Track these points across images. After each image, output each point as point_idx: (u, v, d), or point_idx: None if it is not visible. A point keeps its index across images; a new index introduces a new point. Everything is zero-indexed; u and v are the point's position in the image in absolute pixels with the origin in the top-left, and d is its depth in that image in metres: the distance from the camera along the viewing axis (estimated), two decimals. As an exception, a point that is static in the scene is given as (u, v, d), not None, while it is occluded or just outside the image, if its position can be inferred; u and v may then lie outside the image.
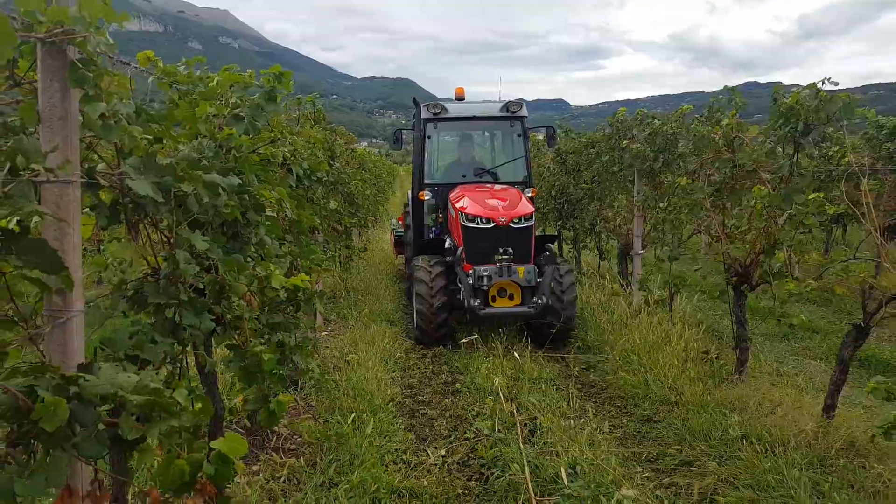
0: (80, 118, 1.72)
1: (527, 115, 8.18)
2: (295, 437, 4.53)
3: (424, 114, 8.08)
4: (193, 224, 2.44)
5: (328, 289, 8.70)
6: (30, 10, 1.49)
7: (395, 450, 4.40)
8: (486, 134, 9.26)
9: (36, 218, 1.56)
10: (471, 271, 6.66)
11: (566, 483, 3.35)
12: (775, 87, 4.50)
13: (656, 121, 6.94)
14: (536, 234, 7.34)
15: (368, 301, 8.44)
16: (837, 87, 4.29)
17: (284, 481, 3.81)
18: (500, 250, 6.66)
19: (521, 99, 8.28)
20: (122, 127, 1.79)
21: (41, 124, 1.65)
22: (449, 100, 8.73)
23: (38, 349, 1.78)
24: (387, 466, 4.10)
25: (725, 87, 5.48)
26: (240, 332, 2.97)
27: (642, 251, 7.61)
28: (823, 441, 4.05)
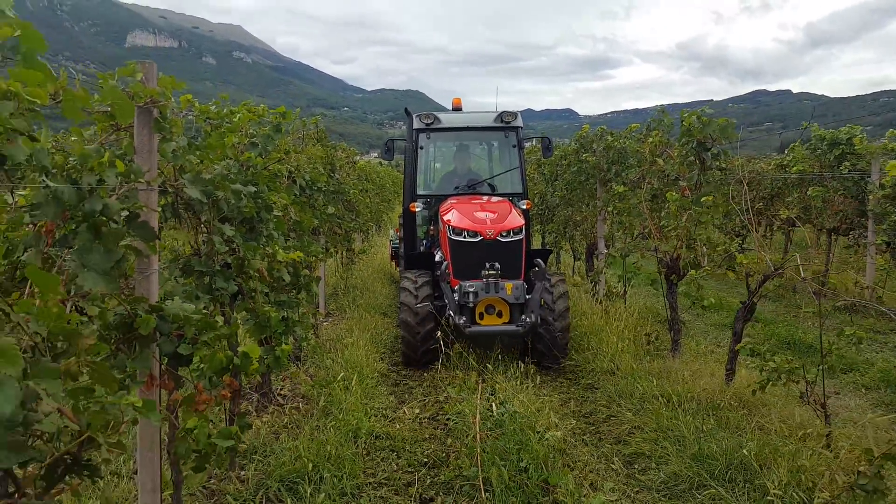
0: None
1: (521, 125, 7.98)
2: (296, 397, 5.59)
3: (416, 124, 7.94)
4: (223, 219, 3.51)
5: (330, 287, 9.79)
6: (135, 90, 2.57)
7: (378, 407, 5.46)
8: (481, 145, 9.21)
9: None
10: (457, 287, 6.41)
11: (495, 413, 4.38)
12: (682, 111, 5.53)
13: (610, 137, 7.99)
14: (532, 248, 7.18)
15: (366, 296, 9.51)
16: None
17: (286, 425, 4.87)
18: (488, 265, 6.42)
19: (516, 111, 8.14)
20: (183, 156, 2.87)
21: (136, 154, 2.73)
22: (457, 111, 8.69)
23: (123, 295, 2.85)
24: (370, 418, 5.15)
25: (658, 109, 6.50)
26: (254, 300, 4.04)
27: (605, 250, 8.64)
28: (719, 397, 5.07)
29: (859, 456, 3.03)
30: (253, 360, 2.76)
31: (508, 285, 6.30)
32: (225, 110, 4.13)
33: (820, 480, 3.31)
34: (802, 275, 4.23)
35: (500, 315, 6.39)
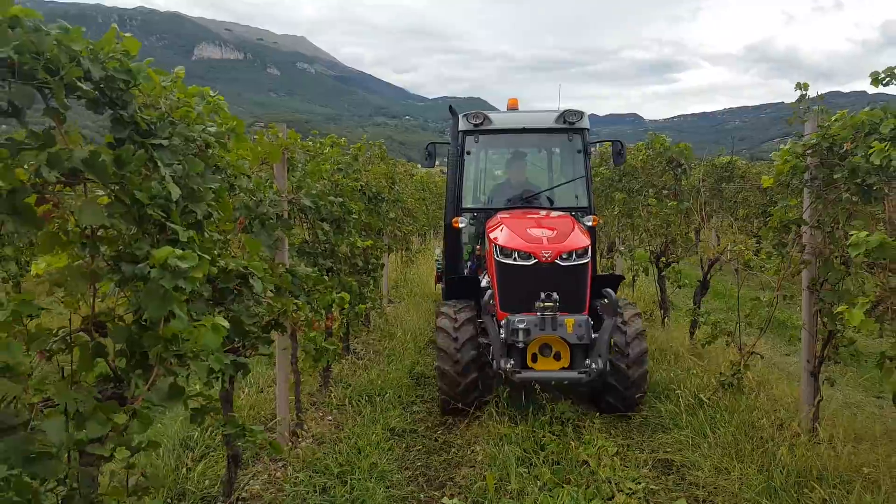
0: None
1: (588, 126, 6.75)
2: (368, 353, 7.52)
3: (462, 125, 6.77)
4: (321, 220, 5.43)
5: (392, 280, 11.75)
6: (278, 142, 4.49)
7: (427, 361, 7.32)
8: (540, 150, 7.95)
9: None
10: (504, 322, 5.20)
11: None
12: (654, 136, 7.15)
13: (620, 153, 9.61)
14: (599, 273, 6.39)
15: (421, 287, 11.44)
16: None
17: (362, 366, 6.78)
18: (543, 295, 5.15)
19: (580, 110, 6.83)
20: (301, 180, 4.80)
21: (276, 179, 4.67)
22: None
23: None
24: (420, 365, 7.01)
25: (648, 134, 8.11)
26: (340, 273, 5.96)
27: (622, 247, 10.26)
28: (680, 349, 6.70)
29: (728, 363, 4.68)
30: (346, 301, 4.65)
31: (569, 321, 5.10)
32: (318, 144, 6.09)
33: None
34: (729, 258, 5.84)
35: (557, 357, 5.21)
